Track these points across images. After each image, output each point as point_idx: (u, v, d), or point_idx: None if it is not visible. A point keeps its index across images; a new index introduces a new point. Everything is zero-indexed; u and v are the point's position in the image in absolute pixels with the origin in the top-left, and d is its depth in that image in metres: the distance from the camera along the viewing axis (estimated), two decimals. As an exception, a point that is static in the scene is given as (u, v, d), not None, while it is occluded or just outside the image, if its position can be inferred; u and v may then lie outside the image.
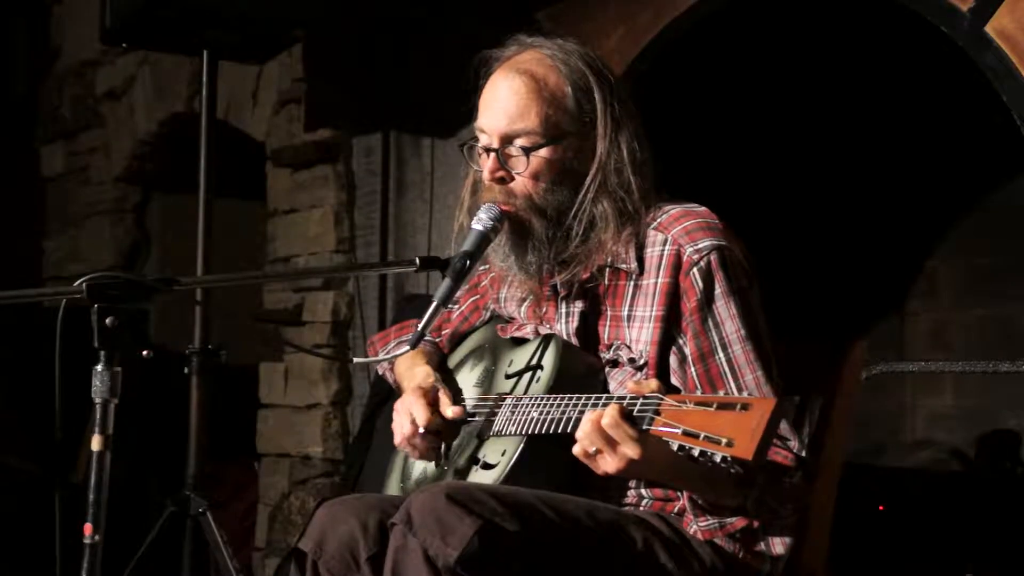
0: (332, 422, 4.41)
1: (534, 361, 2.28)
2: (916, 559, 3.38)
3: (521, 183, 2.25)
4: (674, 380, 2.21)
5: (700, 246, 2.19)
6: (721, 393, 2.14)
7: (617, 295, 2.26)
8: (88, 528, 2.00)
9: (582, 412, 2.04)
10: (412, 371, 2.45)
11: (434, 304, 2.20)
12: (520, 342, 2.39)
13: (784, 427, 2.13)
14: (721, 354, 2.17)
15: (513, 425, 2.20)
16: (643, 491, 2.24)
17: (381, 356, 2.65)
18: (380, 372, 2.74)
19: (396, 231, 4.28)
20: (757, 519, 2.08)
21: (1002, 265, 4.08)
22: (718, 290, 2.18)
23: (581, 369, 2.24)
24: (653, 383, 1.99)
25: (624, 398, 1.97)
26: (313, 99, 4.53)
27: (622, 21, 3.52)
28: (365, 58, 4.36)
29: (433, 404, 2.35)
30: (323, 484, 4.39)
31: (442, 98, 3.72)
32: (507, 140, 2.24)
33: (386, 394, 3.60)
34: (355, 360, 4.37)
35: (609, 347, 2.25)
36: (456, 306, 2.60)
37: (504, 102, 2.23)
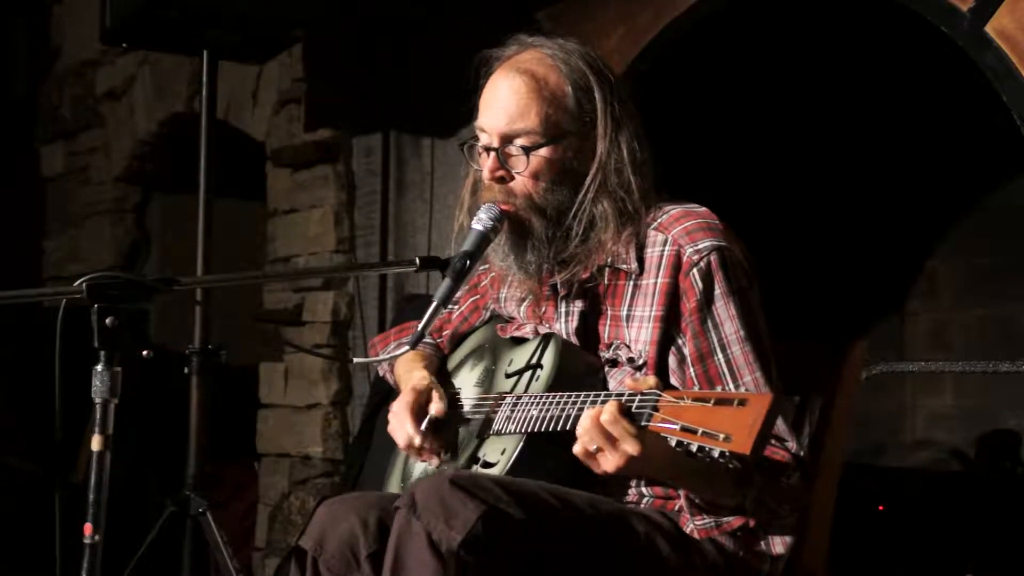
0: (332, 422, 4.42)
1: (534, 360, 2.28)
2: (916, 559, 3.38)
3: (521, 182, 2.25)
4: (673, 380, 2.21)
5: (700, 246, 2.19)
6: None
7: (617, 295, 2.26)
8: (88, 528, 2.00)
9: (581, 410, 2.04)
10: (410, 374, 2.45)
11: (434, 304, 2.20)
12: (520, 341, 2.39)
13: (782, 427, 2.13)
14: (720, 355, 2.17)
15: (513, 424, 2.20)
16: (643, 489, 2.25)
17: (381, 356, 2.65)
18: (381, 374, 2.74)
19: (396, 231, 4.28)
20: (755, 518, 2.08)
21: (1002, 265, 4.08)
22: (718, 291, 2.18)
23: (581, 368, 2.24)
24: (651, 380, 1.99)
25: (622, 395, 1.98)
26: (313, 99, 4.54)
27: (622, 21, 3.52)
28: (365, 58, 4.36)
29: (424, 406, 2.36)
30: (323, 484, 4.39)
31: (442, 98, 3.73)
32: (507, 139, 2.24)
33: (386, 394, 3.59)
34: (355, 360, 4.38)
35: (608, 347, 2.25)
36: (456, 306, 2.60)
37: (504, 101, 2.23)
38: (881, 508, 3.50)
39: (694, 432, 1.83)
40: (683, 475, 2.06)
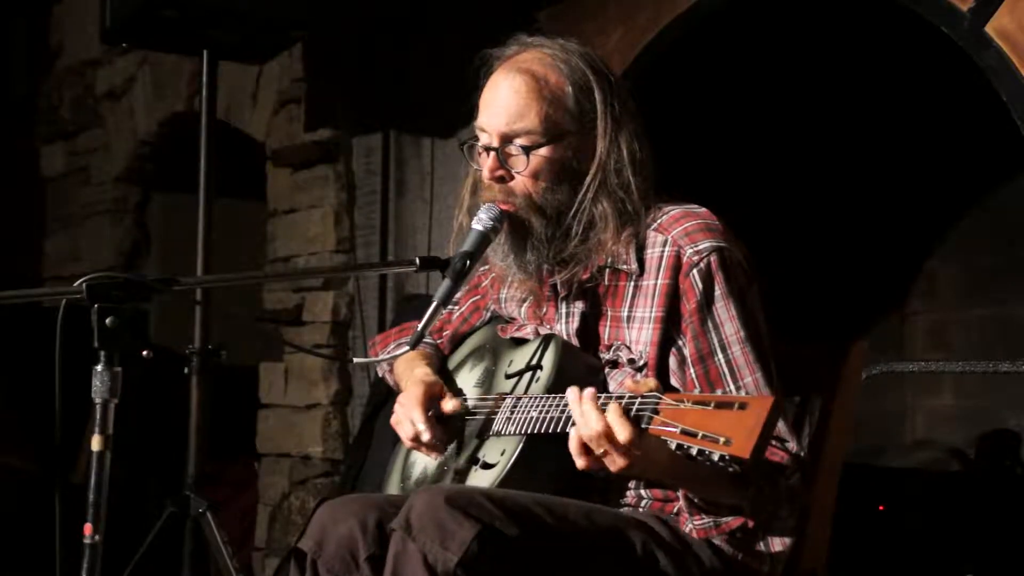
0: (332, 422, 4.41)
1: (534, 361, 2.28)
2: (916, 559, 3.38)
3: (521, 182, 2.25)
4: (673, 381, 2.21)
5: (700, 247, 2.19)
6: (719, 394, 2.14)
7: (617, 296, 2.26)
8: (88, 528, 2.00)
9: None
10: (412, 372, 2.45)
11: (434, 304, 2.20)
12: (520, 342, 2.39)
13: (783, 428, 2.13)
14: (720, 356, 2.17)
15: (513, 425, 2.20)
16: (642, 492, 2.24)
17: (381, 356, 2.65)
18: (380, 374, 2.74)
19: (396, 231, 4.29)
20: (755, 519, 2.08)
21: (1002, 265, 4.08)
22: (718, 291, 2.18)
23: (581, 369, 2.24)
24: (651, 382, 1.99)
25: (622, 397, 1.97)
26: (313, 99, 4.54)
27: (622, 21, 3.52)
28: (365, 58, 4.36)
29: (434, 399, 2.35)
30: (323, 484, 4.39)
31: (442, 98, 3.73)
32: (507, 139, 2.24)
33: (386, 394, 3.60)
34: (355, 360, 4.38)
35: (609, 348, 2.25)
36: (456, 307, 2.60)
37: (504, 101, 2.23)
38: (881, 508, 3.50)
39: (694, 435, 1.83)
40: (682, 477, 2.06)
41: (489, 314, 2.55)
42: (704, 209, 2.27)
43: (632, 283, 2.24)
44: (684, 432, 1.84)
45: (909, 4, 2.82)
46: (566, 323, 2.30)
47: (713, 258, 2.18)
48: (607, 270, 2.26)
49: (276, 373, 4.67)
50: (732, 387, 2.16)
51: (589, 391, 1.99)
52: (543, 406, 2.15)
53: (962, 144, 3.95)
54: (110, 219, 5.96)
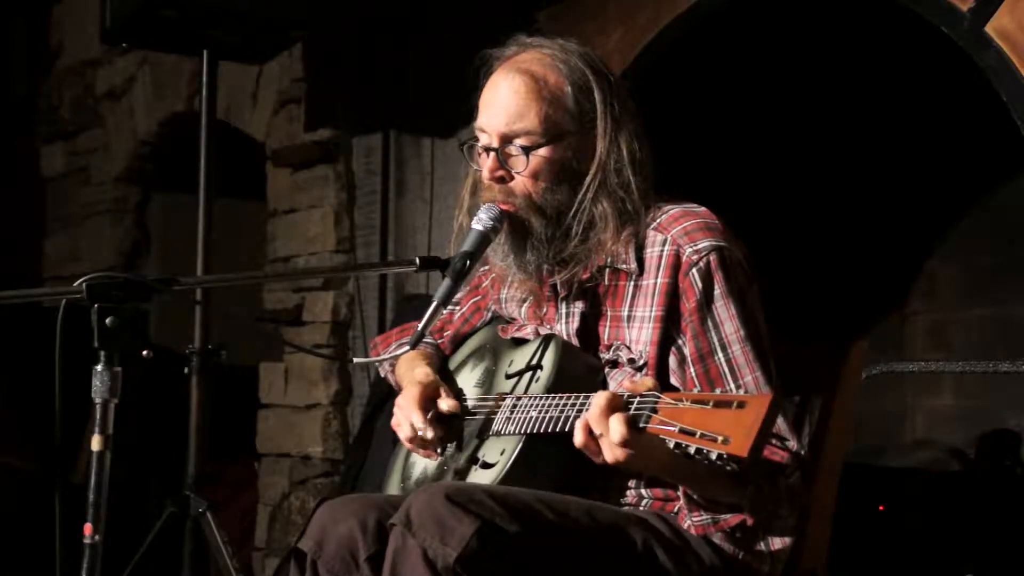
0: (332, 422, 4.42)
1: (534, 361, 2.28)
2: (916, 559, 3.38)
3: (521, 182, 2.25)
4: (673, 380, 2.21)
5: (699, 247, 2.19)
6: (719, 393, 2.14)
7: (617, 295, 2.26)
8: (88, 528, 2.00)
9: (580, 411, 2.04)
10: (412, 372, 2.45)
11: (434, 304, 2.20)
12: (521, 342, 2.39)
13: (783, 427, 2.13)
14: (720, 355, 2.17)
15: (512, 424, 2.20)
16: (643, 491, 2.24)
17: (381, 356, 2.65)
18: (382, 374, 2.74)
19: (396, 231, 4.29)
20: (754, 518, 2.08)
21: (1002, 265, 4.07)
22: (717, 291, 2.18)
23: (581, 369, 2.24)
24: (649, 381, 1.99)
25: (621, 396, 1.97)
26: (313, 99, 4.54)
27: (622, 21, 3.52)
28: (365, 58, 4.36)
29: (432, 399, 2.35)
30: (323, 484, 4.39)
31: (442, 98, 3.73)
32: (507, 139, 2.24)
33: (386, 394, 3.60)
34: (355, 360, 4.38)
35: (609, 347, 2.25)
36: (457, 307, 2.60)
37: (504, 101, 2.23)
38: (881, 508, 3.50)
39: (692, 434, 1.83)
40: (681, 475, 2.06)
41: (490, 314, 2.55)
42: (703, 208, 2.27)
43: (632, 283, 2.24)
44: (682, 431, 1.85)
45: (909, 4, 2.82)
46: (566, 323, 2.30)
47: (712, 257, 2.18)
48: (607, 270, 2.26)
49: (276, 373, 4.67)
50: (732, 386, 2.16)
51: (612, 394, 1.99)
52: (543, 406, 2.15)
53: (962, 144, 3.95)
54: (110, 219, 5.96)
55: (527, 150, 2.23)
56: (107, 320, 2.00)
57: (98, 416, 2.01)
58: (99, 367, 2.00)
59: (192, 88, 5.17)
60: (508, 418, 2.22)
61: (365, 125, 4.38)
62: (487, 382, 2.39)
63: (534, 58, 2.27)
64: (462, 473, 2.27)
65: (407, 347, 2.30)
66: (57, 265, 6.33)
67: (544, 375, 2.24)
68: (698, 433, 1.82)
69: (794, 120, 3.96)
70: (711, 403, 1.85)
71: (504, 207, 2.25)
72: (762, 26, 3.51)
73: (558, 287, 2.31)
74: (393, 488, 2.49)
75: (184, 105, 5.31)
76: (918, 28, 2.85)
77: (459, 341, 2.59)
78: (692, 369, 2.18)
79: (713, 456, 1.83)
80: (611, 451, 1.95)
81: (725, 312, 2.18)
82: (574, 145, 2.25)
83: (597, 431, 1.96)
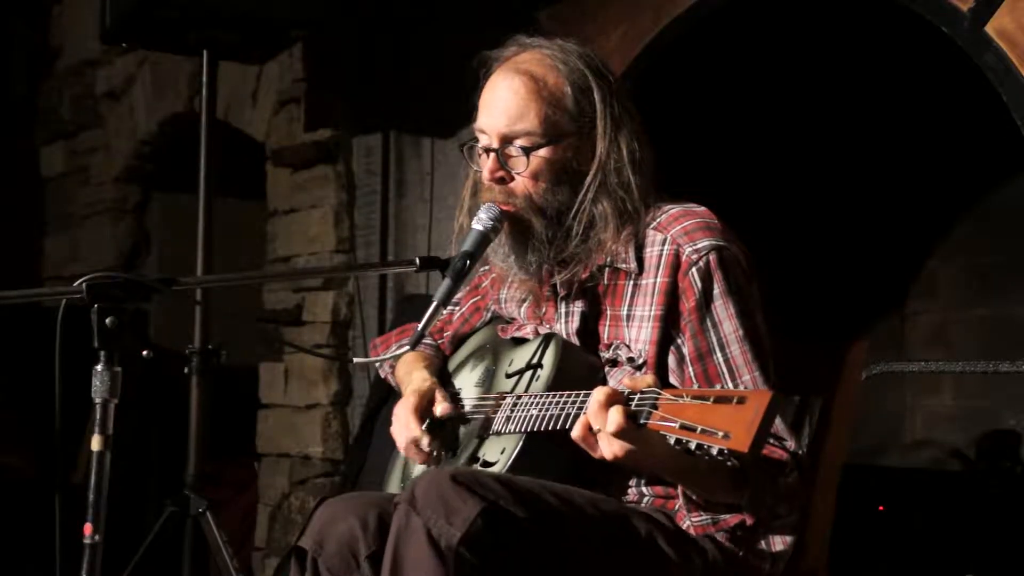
0: (332, 422, 4.42)
1: (534, 360, 2.28)
2: (916, 559, 3.38)
3: (521, 183, 2.25)
4: (672, 379, 2.21)
5: (699, 246, 2.19)
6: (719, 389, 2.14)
7: (616, 295, 2.26)
8: (88, 528, 2.01)
9: (581, 410, 2.04)
10: (411, 376, 2.45)
11: (434, 304, 2.20)
12: (520, 342, 2.40)
13: (781, 427, 2.13)
14: (719, 354, 2.17)
15: (513, 423, 2.20)
16: (644, 489, 2.25)
17: (381, 356, 2.65)
18: (382, 375, 2.74)
19: (396, 231, 4.29)
20: (753, 517, 2.08)
21: (1002, 265, 4.07)
22: (716, 290, 2.18)
23: (581, 368, 2.24)
24: (649, 378, 1.98)
25: (622, 393, 1.97)
26: (313, 99, 4.54)
27: (622, 21, 3.52)
28: (365, 58, 4.36)
29: (428, 407, 2.36)
30: (323, 484, 4.39)
31: (442, 98, 3.73)
32: (507, 140, 2.24)
33: (386, 395, 3.60)
34: (355, 360, 4.38)
35: (608, 347, 2.25)
36: (457, 308, 2.60)
37: (504, 102, 2.23)
38: (881, 508, 3.50)
39: (693, 430, 1.83)
40: (681, 471, 2.06)
41: (489, 314, 2.55)
42: (703, 208, 2.27)
43: (631, 282, 2.24)
44: (683, 426, 1.85)
45: (909, 4, 2.82)
46: (566, 323, 2.30)
47: (712, 257, 2.18)
48: (607, 269, 2.26)
49: (276, 373, 4.67)
50: (730, 385, 2.16)
51: (610, 389, 1.99)
52: (543, 404, 2.15)
53: (962, 144, 3.95)
54: (110, 219, 5.96)
55: (527, 151, 2.23)
56: (107, 320, 2.00)
57: (98, 416, 2.01)
58: (99, 367, 2.00)
59: (192, 88, 5.17)
60: (508, 417, 2.22)
61: (365, 125, 4.38)
62: (487, 382, 2.39)
63: (533, 59, 2.27)
64: (462, 473, 2.27)
65: (407, 347, 2.30)
66: (57, 265, 6.33)
67: (544, 374, 2.24)
68: (699, 429, 1.83)
69: (794, 120, 3.96)
70: (712, 399, 1.85)
71: (504, 207, 2.25)
72: (762, 26, 3.51)
73: (558, 287, 2.31)
74: (393, 488, 2.49)
75: (184, 105, 5.31)
76: (918, 28, 2.85)
77: (459, 341, 2.59)
78: (691, 368, 2.18)
79: (714, 451, 1.83)
80: (609, 446, 1.95)
81: (724, 311, 2.18)
82: (574, 145, 2.25)
83: (596, 426, 1.96)
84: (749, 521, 2.08)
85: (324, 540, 2.21)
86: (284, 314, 4.61)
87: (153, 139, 5.73)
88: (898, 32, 3.32)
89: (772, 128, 3.97)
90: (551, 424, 2.12)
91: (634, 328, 2.23)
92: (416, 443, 2.33)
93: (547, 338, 2.29)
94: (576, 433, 2.00)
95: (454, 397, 2.42)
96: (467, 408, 2.39)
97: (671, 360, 2.21)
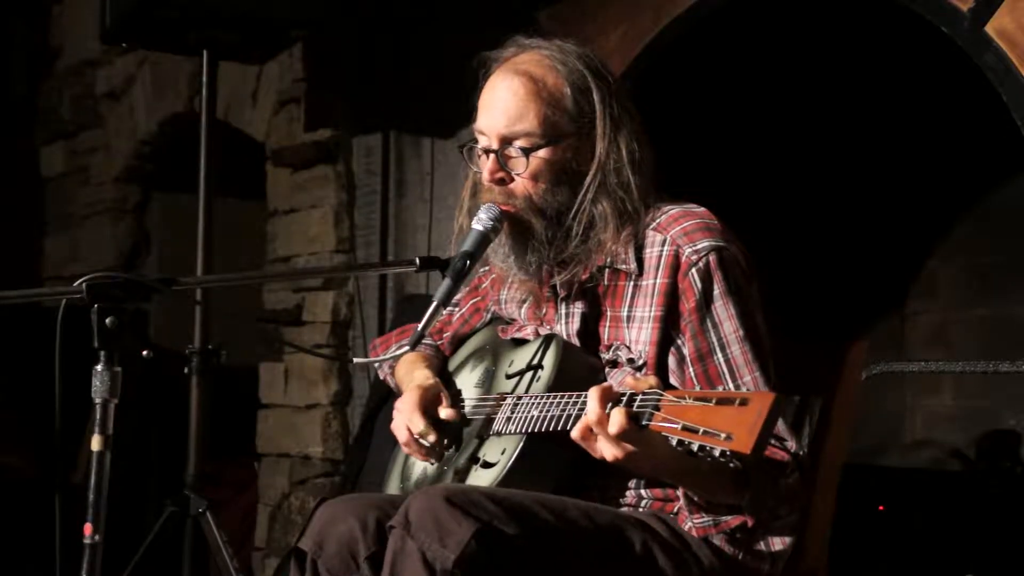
0: (332, 422, 4.42)
1: (535, 361, 2.28)
2: (916, 559, 3.38)
3: (521, 184, 2.25)
4: (673, 380, 2.21)
5: (699, 247, 2.19)
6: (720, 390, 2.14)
7: (616, 295, 2.26)
8: (88, 528, 2.00)
9: (581, 410, 2.04)
10: (412, 375, 2.45)
11: (434, 304, 2.20)
12: (521, 343, 2.40)
13: (782, 427, 2.13)
14: (719, 354, 2.17)
15: (513, 424, 2.20)
16: (642, 491, 2.24)
17: (381, 356, 2.65)
18: (381, 376, 2.74)
19: (396, 231, 4.29)
20: (754, 518, 2.08)
21: (1002, 265, 4.07)
22: (716, 291, 2.18)
23: (582, 369, 2.24)
24: (651, 379, 1.99)
25: (624, 395, 1.97)
26: (313, 99, 4.54)
27: (622, 21, 3.52)
28: (365, 58, 4.36)
29: (432, 403, 2.35)
30: (323, 484, 4.39)
31: (442, 98, 3.73)
32: (506, 141, 2.24)
33: (386, 395, 3.60)
34: (355, 360, 4.38)
35: (608, 347, 2.25)
36: (457, 308, 2.60)
37: (503, 103, 2.23)
38: (881, 508, 3.50)
39: (695, 431, 1.83)
40: (683, 473, 2.06)
41: (489, 315, 2.55)
42: (703, 208, 2.27)
43: (631, 283, 2.24)
44: (685, 428, 1.84)
45: (909, 4, 2.82)
46: (566, 323, 2.30)
47: (712, 257, 2.18)
48: (607, 270, 2.26)
49: (276, 373, 4.67)
50: (731, 386, 2.16)
51: (605, 386, 1.99)
52: (544, 405, 2.15)
53: (962, 144, 3.95)
54: (110, 219, 5.96)
55: (527, 151, 2.23)
56: (107, 320, 2.00)
57: (98, 416, 2.01)
58: (99, 367, 2.00)
59: (192, 88, 5.17)
60: (509, 418, 2.22)
61: (365, 125, 4.38)
62: (487, 382, 2.39)
63: (533, 59, 2.27)
64: (462, 473, 2.27)
65: (407, 348, 2.30)
66: (57, 265, 6.33)
67: (545, 375, 2.24)
68: (701, 430, 1.82)
69: (794, 120, 3.96)
70: (714, 400, 1.85)
71: (504, 208, 2.25)
72: (762, 26, 3.51)
73: (558, 288, 2.31)
74: (393, 488, 2.49)
75: (184, 105, 5.31)
76: (918, 28, 2.85)
77: (459, 342, 2.59)
78: (691, 369, 2.18)
79: (716, 453, 1.83)
80: (611, 447, 1.95)
81: (724, 312, 2.18)
82: (573, 146, 2.25)
83: (596, 428, 1.96)
84: (750, 522, 2.08)
85: (324, 541, 2.21)
86: (284, 314, 4.61)
87: (153, 139, 5.73)
88: (898, 32, 3.32)
89: (772, 128, 3.97)
90: (552, 425, 2.12)
91: (634, 329, 2.23)
92: (418, 438, 2.32)
93: (547, 339, 2.29)
94: (576, 434, 2.00)
95: (454, 397, 2.42)
96: (467, 408, 2.39)
97: (671, 361, 2.21)
